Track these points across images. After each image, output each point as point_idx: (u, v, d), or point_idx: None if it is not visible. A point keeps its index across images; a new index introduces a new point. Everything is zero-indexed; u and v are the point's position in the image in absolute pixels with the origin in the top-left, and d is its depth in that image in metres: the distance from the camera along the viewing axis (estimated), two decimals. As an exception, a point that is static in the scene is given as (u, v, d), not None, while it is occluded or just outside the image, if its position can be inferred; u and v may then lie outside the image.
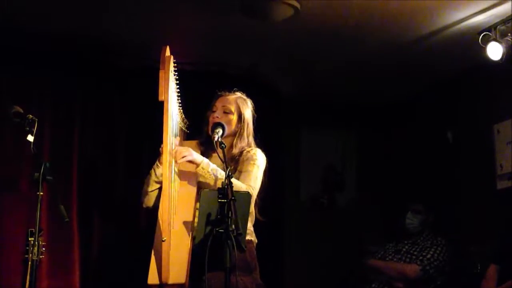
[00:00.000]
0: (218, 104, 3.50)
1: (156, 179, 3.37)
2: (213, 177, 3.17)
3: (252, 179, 3.29)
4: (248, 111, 3.52)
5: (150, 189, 3.41)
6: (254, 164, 3.33)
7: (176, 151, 3.18)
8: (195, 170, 3.22)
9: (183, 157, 3.18)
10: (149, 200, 3.44)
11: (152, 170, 3.39)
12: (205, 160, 3.23)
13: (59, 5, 4.14)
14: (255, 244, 3.39)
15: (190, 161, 3.21)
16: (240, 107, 3.49)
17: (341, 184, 6.34)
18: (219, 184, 3.04)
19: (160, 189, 3.36)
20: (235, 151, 3.42)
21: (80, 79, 4.89)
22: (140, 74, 4.90)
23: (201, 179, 3.27)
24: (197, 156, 3.23)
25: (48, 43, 4.63)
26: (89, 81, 4.93)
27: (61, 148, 4.71)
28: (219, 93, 3.56)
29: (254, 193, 3.27)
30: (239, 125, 3.47)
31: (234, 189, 2.89)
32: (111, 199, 4.81)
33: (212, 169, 3.19)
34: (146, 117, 4.77)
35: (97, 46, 4.76)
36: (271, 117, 5.13)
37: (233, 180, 3.02)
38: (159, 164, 3.34)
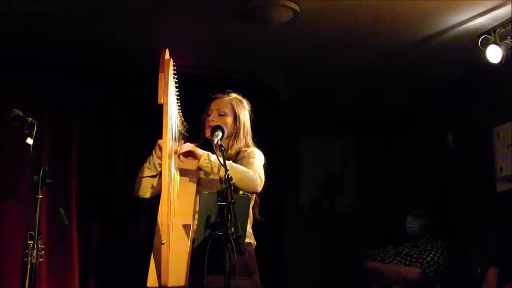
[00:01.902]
0: (213, 107, 3.50)
1: (149, 166, 3.39)
2: (217, 166, 3.14)
3: (256, 166, 3.28)
4: (243, 112, 3.51)
5: (142, 175, 3.41)
6: (254, 158, 3.33)
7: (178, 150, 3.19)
8: (199, 165, 3.22)
9: (184, 153, 3.19)
10: (140, 188, 3.42)
11: (148, 158, 3.40)
12: (205, 152, 3.22)
13: (59, 10, 4.14)
14: (254, 247, 3.38)
15: (192, 155, 3.21)
16: (235, 108, 3.49)
17: (341, 189, 6.33)
18: (223, 172, 3.02)
19: (153, 178, 3.38)
20: (232, 152, 3.41)
21: (80, 84, 4.90)
22: (139, 79, 4.90)
23: (202, 175, 3.26)
24: (197, 150, 3.23)
25: (48, 48, 4.63)
26: (88, 86, 4.93)
27: (61, 151, 4.72)
28: (213, 96, 3.56)
29: (262, 177, 3.26)
30: (235, 126, 3.47)
31: (241, 173, 2.94)
32: (110, 202, 4.81)
33: (215, 158, 3.18)
34: (146, 121, 4.77)
35: (97, 51, 4.77)
36: (270, 122, 5.14)
37: (238, 166, 3.02)
38: (154, 154, 3.35)
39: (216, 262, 2.75)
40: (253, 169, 3.26)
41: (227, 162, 3.00)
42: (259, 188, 3.24)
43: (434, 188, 5.52)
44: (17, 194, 4.45)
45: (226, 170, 2.94)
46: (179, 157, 3.21)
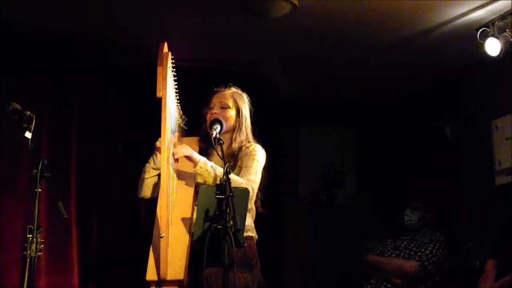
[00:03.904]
0: (215, 101, 3.50)
1: (154, 166, 3.38)
2: (212, 175, 3.16)
3: (252, 173, 3.28)
4: (245, 105, 3.53)
5: (146, 175, 3.42)
6: (253, 159, 3.33)
7: (174, 150, 3.19)
8: (193, 170, 3.21)
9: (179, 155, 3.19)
10: (144, 189, 3.44)
11: (151, 157, 3.39)
12: (203, 158, 3.22)
13: (58, 4, 4.14)
14: (255, 240, 3.38)
15: (188, 157, 3.21)
16: (238, 102, 3.49)
17: (340, 181, 6.34)
18: (218, 181, 3.04)
19: (156, 177, 3.37)
20: (235, 145, 3.41)
21: (79, 77, 4.90)
22: (139, 72, 4.90)
23: (199, 180, 3.26)
24: (195, 154, 3.23)
25: (47, 41, 4.63)
26: (88, 78, 4.93)
27: (60, 145, 4.73)
28: (215, 89, 3.56)
29: (255, 187, 3.27)
30: (238, 119, 3.47)
31: (234, 185, 2.89)
32: (109, 195, 4.82)
33: (210, 167, 3.19)
34: (144, 114, 4.78)
35: (96, 44, 4.76)
36: (270, 115, 5.14)
37: (232, 176, 3.03)
38: (158, 153, 3.35)
39: (215, 255, 2.75)
40: (248, 176, 3.26)
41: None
42: (250, 198, 3.22)
43: (433, 180, 5.52)
44: (16, 188, 4.45)
45: (225, 163, 2.94)
46: (176, 160, 3.22)
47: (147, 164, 3.42)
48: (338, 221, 6.07)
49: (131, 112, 5.02)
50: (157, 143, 3.25)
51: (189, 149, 3.23)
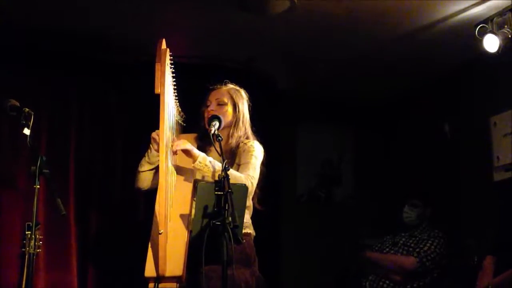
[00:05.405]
0: (211, 98, 3.51)
1: (148, 160, 3.40)
2: (211, 170, 3.16)
3: (251, 169, 3.29)
4: (242, 101, 3.53)
5: (141, 169, 3.44)
6: (252, 155, 3.34)
7: (174, 143, 3.19)
8: (192, 165, 3.22)
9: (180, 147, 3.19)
10: (140, 181, 3.46)
11: (147, 152, 3.40)
12: (202, 153, 3.23)
13: (56, 3, 4.14)
14: (253, 237, 3.39)
15: (187, 152, 3.21)
16: (234, 98, 3.50)
17: (338, 178, 6.34)
18: (217, 177, 3.04)
19: (151, 172, 3.39)
20: (232, 141, 3.42)
21: (77, 75, 4.89)
22: (138, 70, 4.89)
23: (198, 176, 3.27)
24: (194, 150, 3.23)
25: (45, 40, 4.63)
26: (86, 77, 4.93)
27: (58, 142, 4.72)
28: (211, 87, 3.57)
29: (254, 182, 3.27)
30: (235, 115, 3.47)
31: (233, 180, 2.91)
32: (108, 192, 4.82)
33: (209, 162, 3.19)
34: (144, 111, 4.77)
35: (95, 42, 4.76)
36: (268, 112, 5.14)
37: (232, 171, 3.04)
38: (152, 148, 3.35)
39: (214, 251, 2.76)
40: (247, 171, 3.27)
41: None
42: (249, 193, 3.24)
43: (431, 177, 5.52)
44: (15, 185, 4.45)
45: (224, 160, 2.94)
46: (174, 153, 3.22)
47: (143, 158, 3.43)
48: (337, 218, 6.07)
49: (130, 109, 5.01)
50: (153, 134, 3.26)
51: (189, 143, 3.24)
